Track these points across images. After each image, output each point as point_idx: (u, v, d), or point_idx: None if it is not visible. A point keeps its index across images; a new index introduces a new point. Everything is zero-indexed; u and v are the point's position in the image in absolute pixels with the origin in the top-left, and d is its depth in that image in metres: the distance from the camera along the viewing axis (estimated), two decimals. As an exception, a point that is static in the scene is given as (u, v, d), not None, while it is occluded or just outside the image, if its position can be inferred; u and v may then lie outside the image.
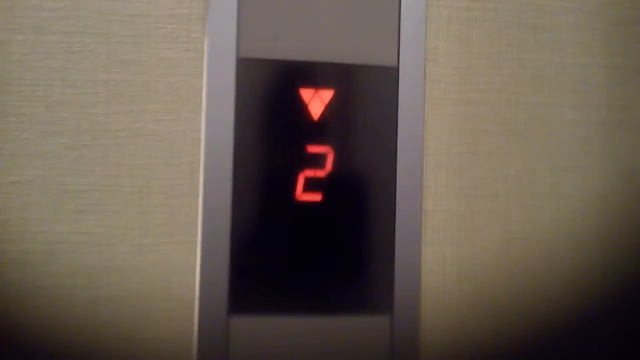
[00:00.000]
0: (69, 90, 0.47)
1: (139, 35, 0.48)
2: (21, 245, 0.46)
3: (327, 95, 0.49)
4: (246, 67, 0.48)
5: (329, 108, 0.49)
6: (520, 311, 0.52)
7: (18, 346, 0.45)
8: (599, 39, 0.54)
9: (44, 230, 0.46)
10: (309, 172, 0.48)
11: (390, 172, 0.49)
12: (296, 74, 0.48)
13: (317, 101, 0.49)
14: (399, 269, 0.49)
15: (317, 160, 0.49)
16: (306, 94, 0.49)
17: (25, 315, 0.45)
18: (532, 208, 0.52)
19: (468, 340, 0.51)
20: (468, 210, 0.51)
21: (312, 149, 0.49)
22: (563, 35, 0.53)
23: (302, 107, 0.48)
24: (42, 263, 0.46)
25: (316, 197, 0.49)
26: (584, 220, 0.53)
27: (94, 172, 0.47)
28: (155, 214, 0.47)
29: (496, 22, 0.52)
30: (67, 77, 0.47)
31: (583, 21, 0.53)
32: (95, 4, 0.47)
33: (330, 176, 0.49)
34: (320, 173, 0.49)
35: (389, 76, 0.50)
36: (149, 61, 0.48)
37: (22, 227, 0.46)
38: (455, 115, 0.51)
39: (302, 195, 0.48)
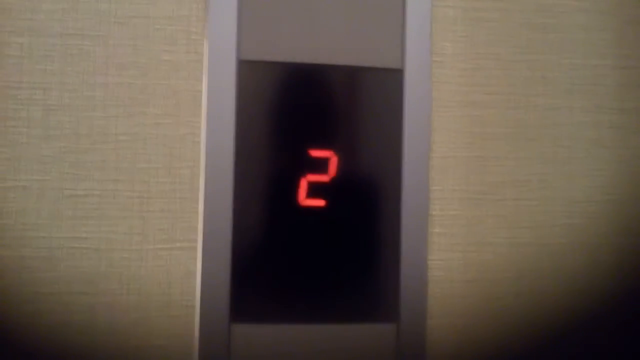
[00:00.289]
0: (67, 94, 0.46)
1: (138, 37, 0.47)
2: (19, 251, 0.45)
3: (330, 98, 0.48)
4: (247, 69, 0.47)
5: (333, 111, 0.48)
6: (529, 319, 0.51)
7: (17, 352, 0.45)
8: (609, 39, 0.53)
9: (42, 235, 0.45)
10: (312, 177, 0.48)
11: (396, 176, 0.49)
12: (298, 77, 0.48)
13: (320, 104, 0.48)
14: (405, 275, 0.48)
15: (320, 165, 0.48)
16: (309, 96, 0.48)
17: (23, 321, 0.45)
18: (541, 213, 0.51)
19: (476, 348, 0.50)
20: (475, 216, 0.50)
21: (315, 153, 0.48)
22: (573, 36, 0.52)
23: (304, 110, 0.48)
24: (41, 269, 0.45)
25: (320, 202, 0.48)
26: (595, 226, 0.52)
27: (93, 177, 0.46)
28: (155, 220, 0.46)
29: (504, 22, 0.51)
30: (65, 81, 0.46)
31: (593, 21, 0.52)
32: (93, 6, 0.46)
33: (334, 181, 0.48)
34: (324, 178, 0.48)
35: (394, 78, 0.49)
36: (148, 64, 0.47)
37: (20, 232, 0.45)
38: (462, 117, 0.50)
39: (305, 200, 0.48)
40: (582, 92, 0.52)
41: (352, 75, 0.48)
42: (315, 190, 0.48)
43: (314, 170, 0.48)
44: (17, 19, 0.46)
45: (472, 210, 0.50)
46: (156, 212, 0.47)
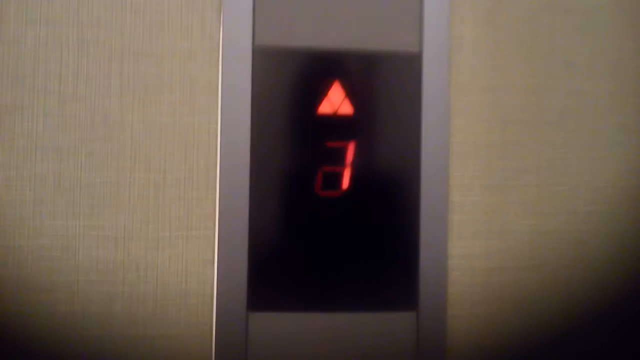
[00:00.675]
0: (82, 83, 0.46)
1: (153, 25, 0.47)
2: (36, 241, 0.45)
3: (347, 84, 0.47)
4: (263, 55, 0.46)
5: (350, 97, 0.47)
6: (551, 308, 0.50)
7: (34, 341, 0.45)
8: (634, 21, 0.51)
9: (58, 225, 0.45)
10: (330, 165, 0.47)
11: (415, 163, 0.48)
12: (315, 62, 0.47)
13: (336, 90, 0.47)
14: (424, 263, 0.48)
15: (337, 153, 0.47)
16: (325, 82, 0.47)
17: (41, 311, 0.45)
18: (565, 200, 0.50)
19: (497, 338, 0.49)
20: (497, 202, 0.49)
21: (333, 141, 0.47)
22: (596, 18, 0.51)
23: (321, 97, 0.47)
24: (58, 258, 0.45)
25: (337, 190, 0.47)
26: (620, 213, 0.51)
27: (109, 166, 0.46)
28: (172, 208, 0.46)
29: (525, 5, 0.50)
30: (80, 70, 0.46)
31: (617, 2, 0.51)
32: (108, -6, 0.46)
33: (352, 169, 0.47)
34: (341, 166, 0.47)
35: (412, 63, 0.48)
36: (163, 52, 0.47)
37: (36, 222, 0.45)
38: (482, 102, 0.50)
39: (323, 188, 0.47)
40: (607, 76, 0.51)
41: (370, 60, 0.47)
42: (332, 178, 0.47)
43: (332, 159, 0.47)
44: (33, 8, 0.46)
45: (493, 197, 0.49)
46: (172, 200, 0.46)
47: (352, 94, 0.47)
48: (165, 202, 0.46)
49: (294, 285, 0.46)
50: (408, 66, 0.48)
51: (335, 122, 0.47)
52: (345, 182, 0.47)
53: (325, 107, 0.47)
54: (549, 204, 0.50)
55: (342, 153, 0.47)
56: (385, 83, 0.48)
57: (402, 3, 0.48)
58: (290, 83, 0.47)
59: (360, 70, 0.48)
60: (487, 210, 0.49)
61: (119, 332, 0.45)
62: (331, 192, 0.47)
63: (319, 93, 0.47)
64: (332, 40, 0.47)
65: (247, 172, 0.46)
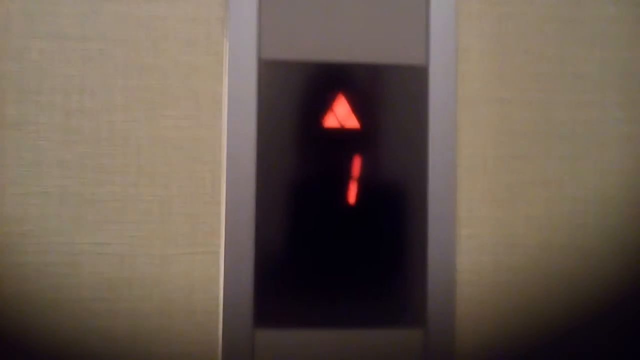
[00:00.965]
0: (87, 98, 0.46)
1: (158, 39, 0.46)
2: (40, 257, 0.45)
3: (353, 97, 0.47)
4: (268, 69, 0.46)
5: (356, 110, 0.47)
6: (562, 325, 0.49)
7: (39, 358, 0.44)
8: (642, 32, 0.51)
9: (63, 241, 0.45)
10: (336, 179, 0.47)
11: (422, 177, 0.47)
12: (320, 76, 0.47)
13: (343, 104, 0.47)
14: (432, 279, 0.47)
15: (344, 167, 0.47)
16: (331, 96, 0.47)
17: (45, 327, 0.45)
18: (574, 213, 0.50)
19: (506, 355, 0.48)
20: (505, 217, 0.49)
21: (339, 154, 0.47)
22: (604, 29, 0.51)
23: (327, 111, 0.47)
24: (62, 275, 0.45)
25: (344, 204, 0.47)
26: (629, 226, 0.50)
27: (114, 181, 0.46)
28: (177, 224, 0.46)
29: (532, 16, 0.50)
30: (85, 84, 0.46)
31: (625, 13, 0.51)
32: (113, 8, 0.46)
33: (359, 182, 0.47)
34: (348, 179, 0.47)
35: (419, 76, 0.48)
36: (168, 66, 0.46)
37: (41, 238, 0.45)
38: (489, 116, 0.49)
39: (329, 202, 0.46)
40: (615, 87, 0.51)
41: (376, 73, 0.47)
42: (339, 192, 0.47)
43: (338, 172, 0.47)
44: (37, 23, 0.45)
45: (501, 210, 0.49)
46: (178, 216, 0.46)
47: (358, 107, 0.47)
48: (170, 218, 0.46)
49: (300, 302, 0.46)
50: (414, 79, 0.48)
51: (341, 135, 0.47)
52: (352, 197, 0.47)
53: (331, 121, 0.47)
54: (558, 218, 0.50)
55: (348, 167, 0.47)
56: (392, 96, 0.47)
57: (408, 15, 0.48)
58: (296, 96, 0.47)
59: (366, 83, 0.47)
60: (496, 225, 0.49)
61: (124, 349, 0.45)
62: (338, 206, 0.47)
63: (325, 106, 0.47)
64: (337, 53, 0.47)
65: (253, 187, 0.46)
